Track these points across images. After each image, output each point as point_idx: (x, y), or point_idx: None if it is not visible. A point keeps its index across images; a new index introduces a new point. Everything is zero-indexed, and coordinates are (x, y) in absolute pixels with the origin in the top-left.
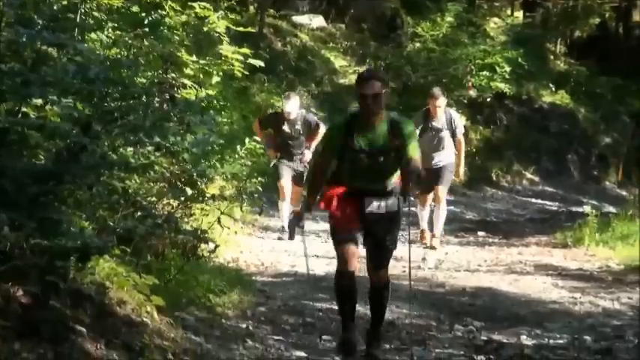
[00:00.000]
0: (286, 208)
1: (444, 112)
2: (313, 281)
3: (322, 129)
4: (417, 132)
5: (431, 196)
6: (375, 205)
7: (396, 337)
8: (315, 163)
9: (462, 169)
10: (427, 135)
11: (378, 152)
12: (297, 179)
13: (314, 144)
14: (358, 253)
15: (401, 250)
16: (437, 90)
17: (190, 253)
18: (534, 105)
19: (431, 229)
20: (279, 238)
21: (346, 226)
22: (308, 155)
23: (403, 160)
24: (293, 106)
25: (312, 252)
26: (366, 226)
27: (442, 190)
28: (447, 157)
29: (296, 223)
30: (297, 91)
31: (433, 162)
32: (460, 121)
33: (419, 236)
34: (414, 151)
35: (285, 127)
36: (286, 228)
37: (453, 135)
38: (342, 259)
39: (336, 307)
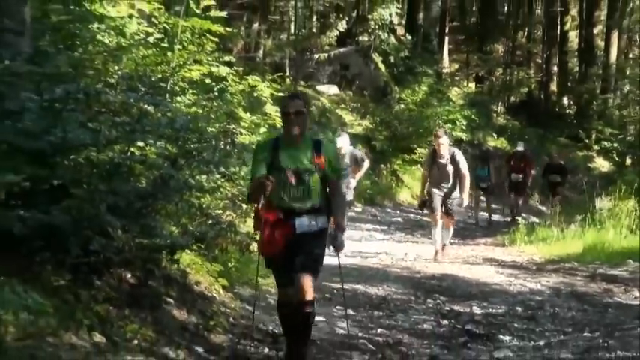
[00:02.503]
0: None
1: (447, 151)
2: (330, 268)
3: (367, 163)
4: (427, 168)
5: (439, 213)
6: (306, 225)
7: (387, 307)
8: (252, 183)
9: (465, 199)
10: (435, 169)
11: (303, 171)
12: None
13: (359, 175)
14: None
15: (390, 246)
16: (440, 131)
17: (245, 249)
18: (483, 147)
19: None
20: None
21: (283, 265)
22: (353, 183)
23: (328, 180)
24: (344, 142)
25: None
26: (297, 243)
27: (451, 221)
28: (452, 190)
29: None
30: (345, 135)
31: (441, 190)
32: (463, 158)
33: (433, 255)
34: (338, 173)
35: None
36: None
37: (457, 170)
38: (283, 297)
39: (350, 287)
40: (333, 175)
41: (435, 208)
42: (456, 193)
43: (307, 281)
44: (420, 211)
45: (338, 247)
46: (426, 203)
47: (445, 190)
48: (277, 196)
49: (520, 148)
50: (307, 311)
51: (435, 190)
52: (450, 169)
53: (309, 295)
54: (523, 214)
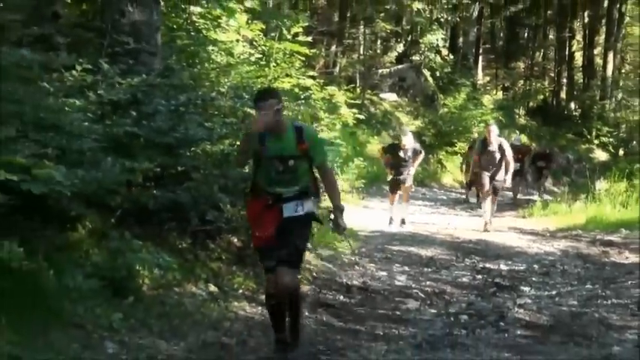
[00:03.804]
0: (396, 204)
1: (496, 140)
2: (390, 235)
3: (422, 154)
4: (478, 154)
5: (488, 187)
6: (293, 209)
7: (434, 265)
8: (237, 156)
9: (509, 178)
10: (485, 156)
11: (288, 157)
12: (404, 185)
13: (416, 163)
14: None
15: (436, 218)
16: (492, 122)
17: (324, 220)
18: (508, 142)
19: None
20: (390, 224)
21: (270, 249)
22: (413, 170)
23: (315, 164)
24: (409, 140)
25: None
26: (284, 230)
27: (495, 196)
28: (498, 173)
29: None
30: (410, 132)
31: (488, 174)
32: (508, 146)
33: (483, 225)
34: (323, 156)
35: (401, 153)
36: (394, 217)
37: (503, 156)
38: (270, 285)
39: (405, 249)
40: (318, 158)
41: (485, 184)
42: (500, 174)
43: (287, 273)
44: (463, 190)
45: (340, 232)
46: (474, 182)
47: (492, 173)
48: (265, 183)
49: (517, 142)
50: (287, 294)
51: (484, 172)
52: (497, 155)
53: (289, 285)
54: (537, 192)
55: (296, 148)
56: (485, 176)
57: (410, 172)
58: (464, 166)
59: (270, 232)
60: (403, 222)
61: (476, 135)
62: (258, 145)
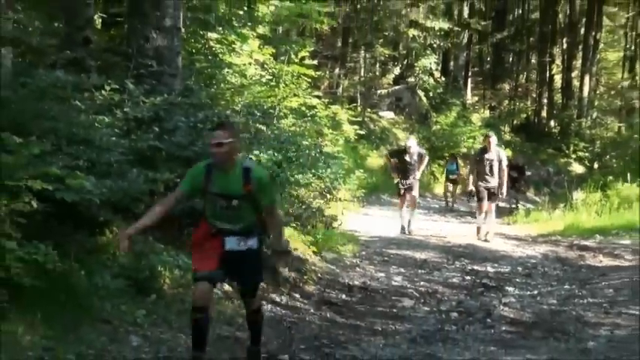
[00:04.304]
0: (405, 210)
1: (494, 149)
2: (388, 239)
3: (426, 158)
4: (476, 161)
5: (485, 203)
6: (235, 243)
7: (427, 267)
8: (173, 193)
9: (504, 188)
10: (483, 163)
11: (232, 196)
12: (410, 190)
13: (422, 167)
14: (212, 292)
15: (429, 224)
16: (491, 132)
17: (328, 226)
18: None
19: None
20: (402, 232)
21: (204, 265)
22: (418, 175)
23: (261, 206)
24: (413, 144)
25: (387, 225)
26: (230, 262)
27: (492, 206)
28: (495, 181)
29: (126, 236)
30: (414, 137)
31: (486, 182)
32: (505, 156)
33: (476, 231)
34: (271, 198)
35: (407, 158)
36: (405, 226)
37: (500, 165)
38: (196, 296)
39: (401, 252)
40: (266, 199)
41: (482, 199)
42: (496, 182)
43: (252, 300)
44: (449, 199)
45: (275, 278)
46: (472, 193)
47: (489, 182)
48: (209, 216)
49: None
50: (255, 315)
51: (480, 184)
52: (495, 164)
53: (257, 308)
54: (522, 202)
55: (242, 188)
56: (483, 190)
57: (416, 177)
58: (445, 174)
59: (212, 266)
60: (409, 226)
61: (464, 150)
62: (204, 179)
